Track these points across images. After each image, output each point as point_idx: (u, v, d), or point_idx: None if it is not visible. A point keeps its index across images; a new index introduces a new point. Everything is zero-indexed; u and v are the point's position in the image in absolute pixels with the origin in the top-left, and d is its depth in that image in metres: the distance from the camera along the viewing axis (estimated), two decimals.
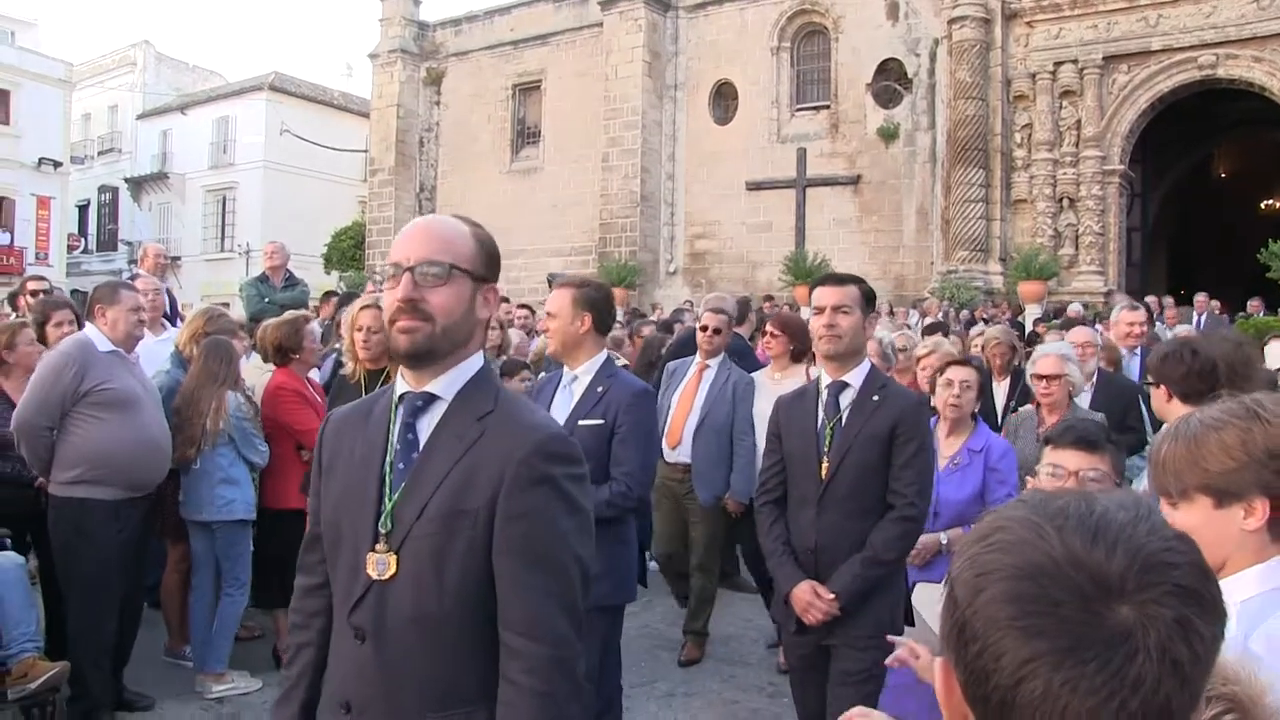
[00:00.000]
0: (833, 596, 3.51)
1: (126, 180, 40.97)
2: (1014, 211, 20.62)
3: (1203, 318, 13.93)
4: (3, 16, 41.10)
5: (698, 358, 6.33)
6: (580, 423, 3.87)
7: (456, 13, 29.04)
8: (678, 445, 6.13)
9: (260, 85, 38.21)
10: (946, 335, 9.61)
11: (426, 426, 1.93)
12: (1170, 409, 3.30)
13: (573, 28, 26.03)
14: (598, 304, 4.03)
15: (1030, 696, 0.85)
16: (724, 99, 24.21)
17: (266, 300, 9.74)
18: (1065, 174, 19.90)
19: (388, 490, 1.91)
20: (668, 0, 24.57)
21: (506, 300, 14.00)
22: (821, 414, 3.66)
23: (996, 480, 4.46)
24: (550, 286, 7.29)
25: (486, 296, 1.96)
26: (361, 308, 5.17)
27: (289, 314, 6.17)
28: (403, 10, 28.76)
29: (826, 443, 3.61)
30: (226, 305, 12.10)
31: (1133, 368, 7.10)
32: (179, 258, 35.69)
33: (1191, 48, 18.81)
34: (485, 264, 1.95)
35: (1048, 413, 5.14)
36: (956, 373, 4.66)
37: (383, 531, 1.88)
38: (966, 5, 20.19)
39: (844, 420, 3.61)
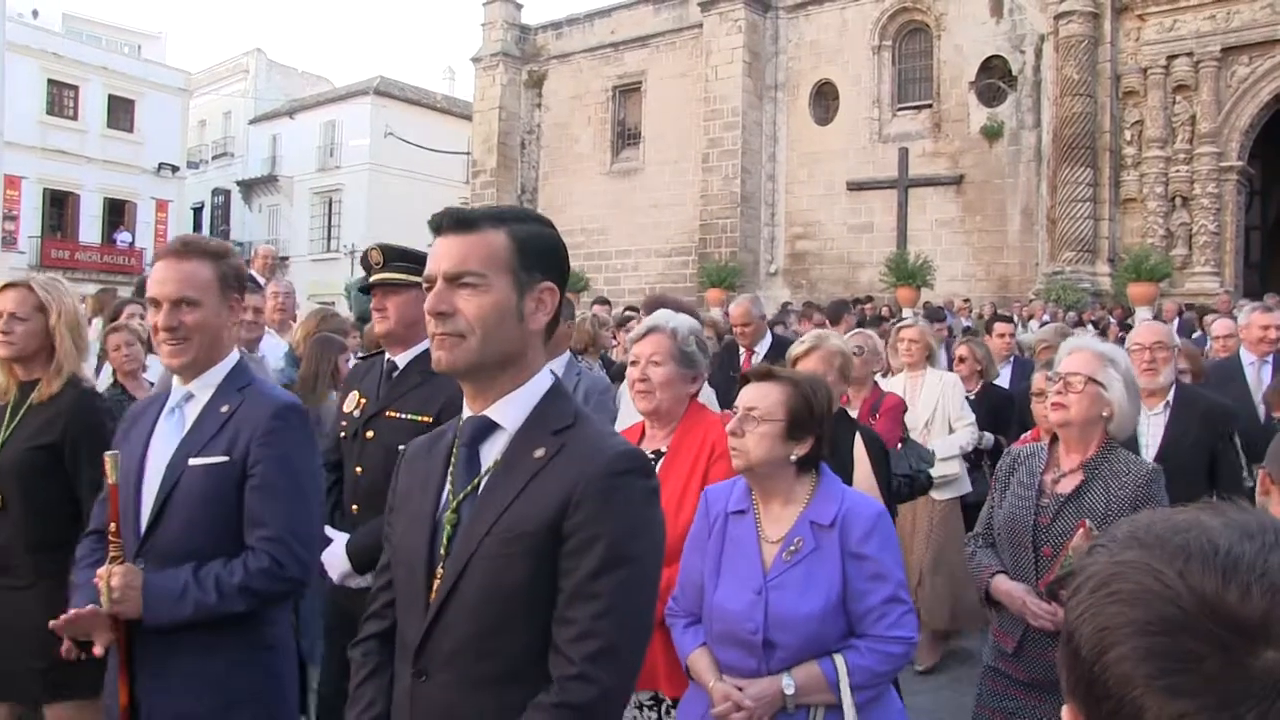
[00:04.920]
0: None
1: (238, 183, 42.54)
2: (1123, 211, 20.13)
3: None
4: (132, 31, 43.16)
5: None
6: (193, 461, 2.49)
7: (558, 16, 29.50)
8: None
9: (365, 90, 39.30)
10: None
11: None
12: None
13: (673, 29, 26.22)
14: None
15: None
16: (824, 99, 24.13)
17: None
18: (1178, 171, 19.35)
19: None
20: (767, 1, 24.57)
21: (607, 302, 14.08)
22: (449, 483, 1.88)
23: (866, 575, 2.57)
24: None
25: None
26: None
27: None
28: (504, 14, 29.29)
29: (445, 538, 1.83)
30: (332, 304, 12.54)
31: (1265, 375, 6.12)
32: (287, 258, 36.84)
33: None
34: None
35: (1066, 451, 3.21)
36: (744, 394, 2.80)
37: None
38: (1074, 0, 19.77)
39: (479, 493, 1.83)
